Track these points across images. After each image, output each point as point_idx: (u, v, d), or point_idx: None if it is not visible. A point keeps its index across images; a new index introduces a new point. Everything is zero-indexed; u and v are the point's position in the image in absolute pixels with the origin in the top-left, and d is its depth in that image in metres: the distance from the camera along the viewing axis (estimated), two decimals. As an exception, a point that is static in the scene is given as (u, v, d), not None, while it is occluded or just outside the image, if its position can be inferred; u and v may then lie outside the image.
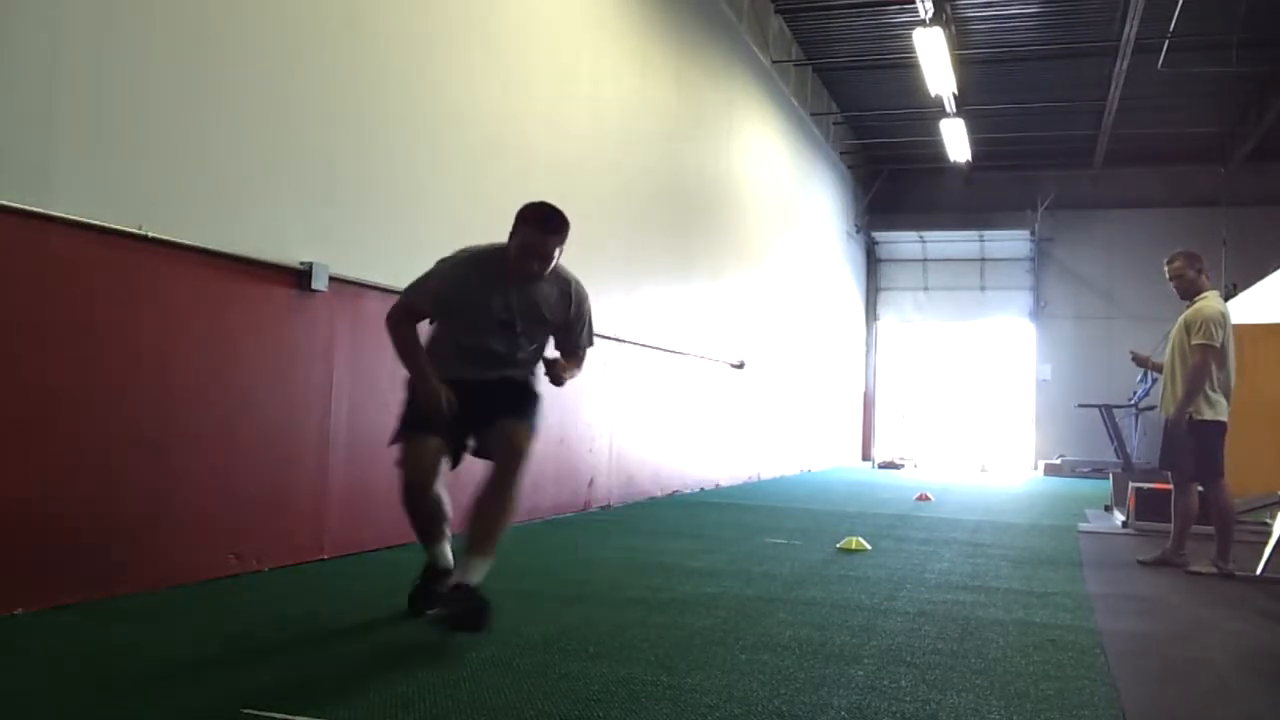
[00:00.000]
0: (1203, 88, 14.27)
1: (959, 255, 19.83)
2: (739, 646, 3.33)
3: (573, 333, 3.69)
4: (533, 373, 3.72)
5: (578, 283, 3.67)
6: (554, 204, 3.49)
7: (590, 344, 3.79)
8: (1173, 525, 5.76)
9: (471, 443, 3.60)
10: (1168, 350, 5.74)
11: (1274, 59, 13.30)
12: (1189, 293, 5.71)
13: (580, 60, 7.62)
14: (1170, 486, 5.92)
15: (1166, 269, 5.80)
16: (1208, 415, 5.48)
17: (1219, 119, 15.97)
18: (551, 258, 3.46)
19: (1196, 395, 5.48)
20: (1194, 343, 5.50)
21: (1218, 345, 5.45)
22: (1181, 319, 5.67)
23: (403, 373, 3.58)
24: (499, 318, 3.51)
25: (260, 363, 4.48)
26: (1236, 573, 5.30)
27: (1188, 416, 5.49)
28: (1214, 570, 5.36)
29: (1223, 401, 5.52)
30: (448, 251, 3.65)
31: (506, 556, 5.14)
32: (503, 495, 3.38)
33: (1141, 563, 5.72)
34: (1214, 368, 5.48)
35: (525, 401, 3.61)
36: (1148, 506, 7.53)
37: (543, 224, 3.43)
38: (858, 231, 19.01)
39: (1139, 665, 3.36)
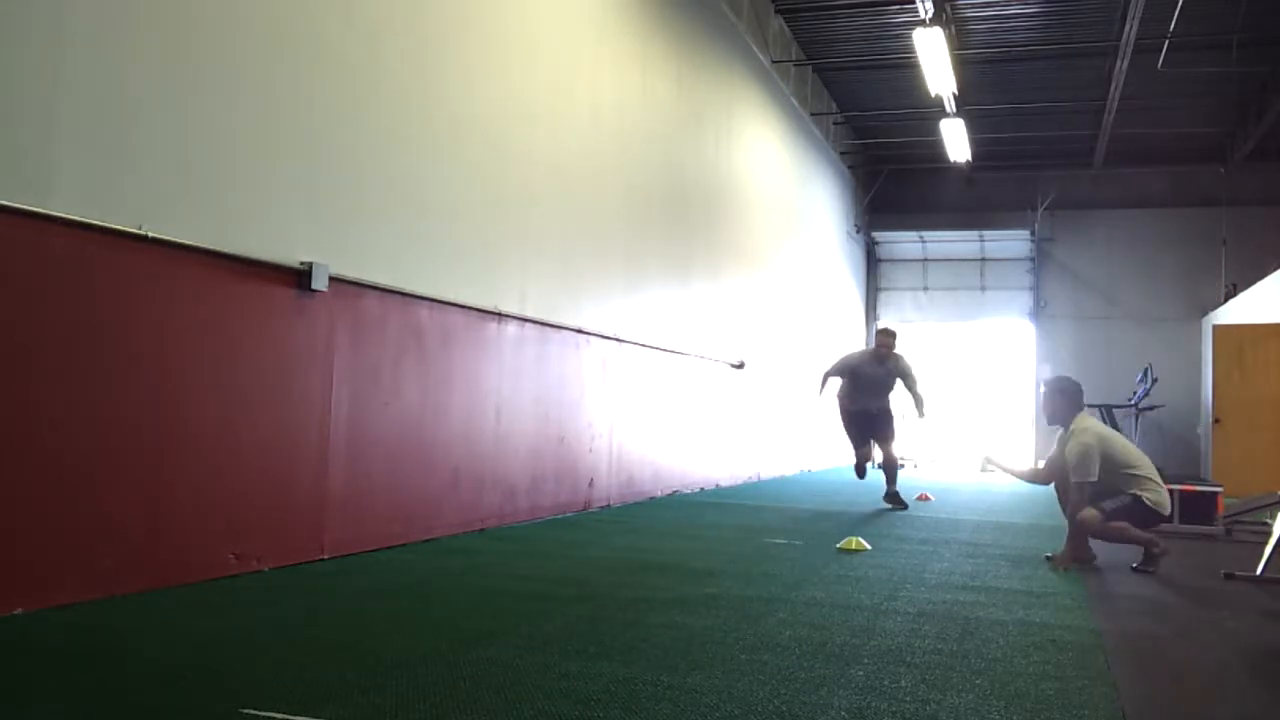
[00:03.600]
0: (1203, 88, 14.28)
1: (959, 255, 19.82)
2: (739, 646, 3.33)
3: (908, 379, 8.85)
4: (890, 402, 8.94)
5: (901, 358, 8.84)
6: (888, 326, 9.21)
7: (917, 383, 8.92)
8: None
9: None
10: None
11: (1274, 59, 13.31)
12: (1055, 420, 5.77)
13: (580, 61, 7.62)
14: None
15: None
16: (1157, 500, 5.43)
17: (1219, 119, 15.97)
18: (891, 348, 8.77)
19: (1120, 537, 5.44)
20: (1074, 481, 5.45)
21: (1094, 479, 5.37)
22: (1063, 447, 5.65)
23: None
24: (877, 376, 8.79)
25: (260, 363, 4.48)
26: (1237, 573, 5.30)
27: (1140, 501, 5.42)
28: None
29: (1158, 483, 5.45)
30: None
31: (508, 556, 5.15)
32: (888, 459, 8.98)
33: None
34: (1132, 474, 5.43)
35: (889, 419, 9.03)
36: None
37: (885, 333, 8.93)
38: (858, 231, 19.01)
39: (1139, 665, 3.37)
